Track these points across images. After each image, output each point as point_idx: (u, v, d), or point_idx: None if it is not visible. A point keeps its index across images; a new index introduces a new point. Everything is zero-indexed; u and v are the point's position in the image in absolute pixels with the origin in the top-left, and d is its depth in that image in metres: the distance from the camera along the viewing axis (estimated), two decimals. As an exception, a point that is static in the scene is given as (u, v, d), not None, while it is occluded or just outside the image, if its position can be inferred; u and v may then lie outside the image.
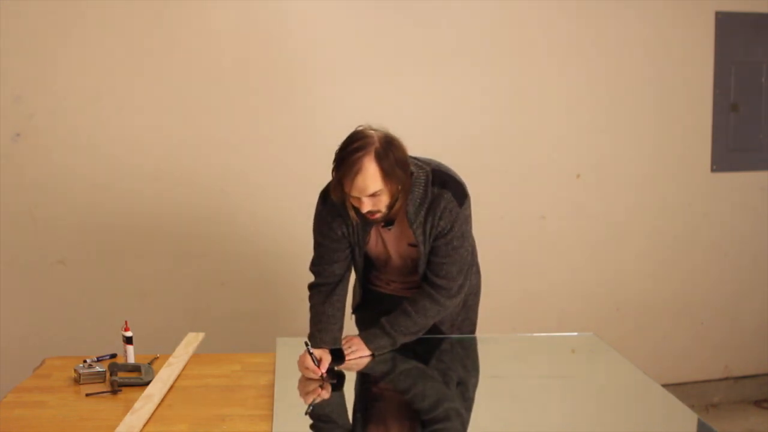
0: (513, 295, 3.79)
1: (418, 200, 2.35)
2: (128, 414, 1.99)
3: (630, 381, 2.31)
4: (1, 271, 3.26)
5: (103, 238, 3.35)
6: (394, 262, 2.52)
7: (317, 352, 2.29)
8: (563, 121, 3.83)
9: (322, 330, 2.40)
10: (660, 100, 3.93)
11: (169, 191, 3.40)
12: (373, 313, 2.59)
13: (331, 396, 2.22)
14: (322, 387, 2.25)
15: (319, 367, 2.25)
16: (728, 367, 4.20)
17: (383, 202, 2.26)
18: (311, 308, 2.48)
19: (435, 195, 2.35)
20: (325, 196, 2.46)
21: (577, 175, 3.86)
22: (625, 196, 3.94)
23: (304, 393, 2.22)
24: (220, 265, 3.48)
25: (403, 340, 2.43)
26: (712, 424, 1.99)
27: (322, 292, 2.48)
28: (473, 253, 2.62)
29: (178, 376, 2.28)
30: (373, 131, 2.28)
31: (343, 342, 2.41)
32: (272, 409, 2.04)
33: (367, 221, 2.35)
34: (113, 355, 2.46)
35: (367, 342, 2.40)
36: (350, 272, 2.55)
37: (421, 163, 2.40)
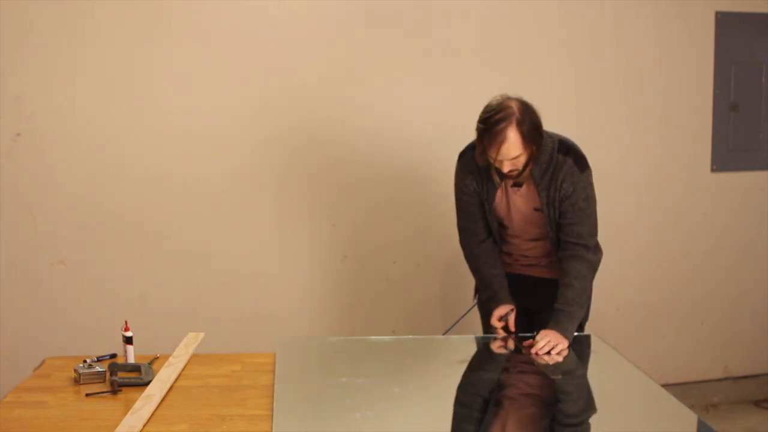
0: (513, 295, 3.79)
1: (544, 165, 2.59)
2: (128, 414, 1.98)
3: (630, 381, 2.31)
4: (1, 271, 3.26)
5: (103, 238, 3.34)
6: (518, 226, 2.70)
7: (502, 310, 2.63)
8: (563, 121, 3.80)
9: (500, 288, 2.70)
10: (660, 100, 3.93)
11: (169, 191, 3.39)
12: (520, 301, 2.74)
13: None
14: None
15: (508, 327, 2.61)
16: (728, 367, 4.20)
17: (521, 162, 2.52)
18: (476, 272, 2.79)
19: (559, 161, 2.60)
20: (460, 157, 2.73)
21: (577, 175, 3.86)
22: (625, 197, 3.94)
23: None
24: (220, 265, 3.48)
25: (581, 311, 2.62)
26: (712, 424, 1.99)
27: (473, 248, 2.76)
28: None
29: (178, 376, 2.28)
30: (511, 101, 2.53)
31: (539, 337, 2.52)
32: (272, 409, 2.04)
33: (505, 178, 2.61)
34: (113, 355, 2.46)
35: (562, 331, 2.53)
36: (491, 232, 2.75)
37: (550, 133, 2.63)
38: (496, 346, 2.64)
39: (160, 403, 2.08)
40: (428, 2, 3.57)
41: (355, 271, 3.64)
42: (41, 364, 2.41)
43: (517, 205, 2.66)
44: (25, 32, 3.17)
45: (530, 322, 2.73)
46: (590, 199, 2.67)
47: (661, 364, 4.00)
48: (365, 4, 3.52)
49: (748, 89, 4.03)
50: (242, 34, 3.40)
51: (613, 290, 3.98)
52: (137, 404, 2.04)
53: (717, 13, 3.93)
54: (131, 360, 2.35)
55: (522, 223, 2.69)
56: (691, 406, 2.14)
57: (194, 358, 2.44)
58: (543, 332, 2.53)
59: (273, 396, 2.13)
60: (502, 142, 2.47)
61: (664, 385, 2.22)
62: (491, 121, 2.49)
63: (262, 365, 2.40)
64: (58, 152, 3.27)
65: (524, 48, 3.72)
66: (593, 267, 2.68)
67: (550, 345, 2.48)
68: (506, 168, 2.52)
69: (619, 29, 3.83)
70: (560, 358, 2.46)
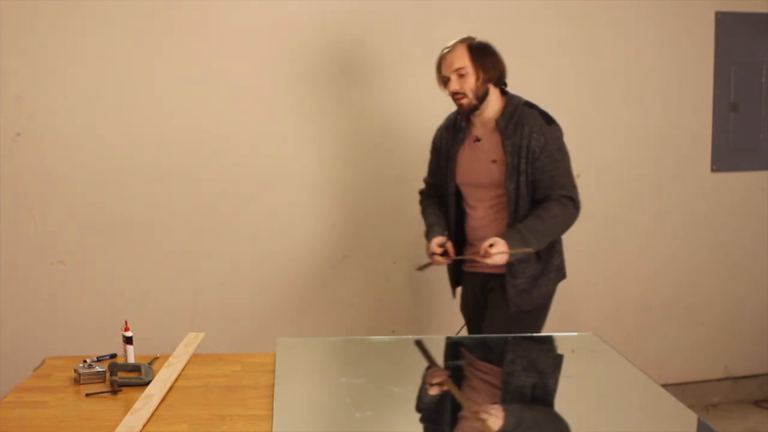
0: (513, 295, 3.79)
1: (509, 115, 2.70)
2: (128, 414, 1.98)
3: (630, 381, 2.31)
4: (1, 271, 3.26)
5: (103, 238, 3.34)
6: (474, 186, 2.77)
7: (440, 239, 2.75)
8: (563, 121, 3.81)
9: (436, 223, 2.85)
10: (660, 100, 3.93)
11: (169, 191, 3.39)
12: (462, 303, 2.95)
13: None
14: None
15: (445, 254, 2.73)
16: (728, 367, 4.20)
17: (468, 85, 2.65)
18: (423, 210, 2.97)
19: (525, 112, 2.71)
20: (448, 115, 2.92)
21: (577, 175, 3.85)
22: (625, 196, 3.94)
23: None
24: (220, 265, 3.48)
25: (536, 245, 2.66)
26: (712, 424, 1.99)
27: (428, 198, 2.96)
28: None
29: (178, 376, 2.28)
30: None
31: (485, 244, 2.63)
32: (272, 409, 2.04)
33: (459, 111, 2.75)
34: (113, 355, 2.46)
35: (508, 241, 2.62)
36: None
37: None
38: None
39: (160, 403, 2.08)
40: (428, 2, 3.57)
41: (355, 271, 3.64)
42: (41, 364, 2.41)
43: (477, 159, 2.74)
44: (25, 32, 3.17)
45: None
46: (565, 154, 2.74)
47: (661, 364, 4.00)
48: (366, 5, 3.52)
49: (748, 89, 4.03)
50: (243, 34, 3.40)
51: (613, 290, 3.98)
52: (137, 404, 2.04)
53: (717, 13, 3.93)
54: (131, 360, 2.35)
55: (478, 181, 2.76)
56: (691, 406, 2.14)
57: (194, 358, 2.43)
58: (495, 241, 2.62)
59: (273, 396, 2.13)
60: (448, 52, 2.68)
61: (664, 385, 2.22)
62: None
63: (262, 365, 2.39)
64: (58, 152, 3.27)
65: (524, 48, 3.72)
66: (568, 219, 2.72)
67: (496, 257, 2.58)
68: (453, 86, 2.65)
69: (619, 29, 3.83)
70: (495, 260, 2.60)
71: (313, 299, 3.59)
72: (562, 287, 3.88)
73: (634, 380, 2.30)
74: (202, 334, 2.59)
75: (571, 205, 2.71)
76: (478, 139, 2.77)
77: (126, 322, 2.38)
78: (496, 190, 2.74)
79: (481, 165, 2.76)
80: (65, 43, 3.22)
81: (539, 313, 2.87)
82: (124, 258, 3.38)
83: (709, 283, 4.12)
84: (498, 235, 2.66)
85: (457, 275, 3.00)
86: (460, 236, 2.91)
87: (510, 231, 2.67)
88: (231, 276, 3.51)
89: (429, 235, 2.85)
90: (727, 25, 3.94)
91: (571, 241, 3.87)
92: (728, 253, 4.12)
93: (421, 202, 3.04)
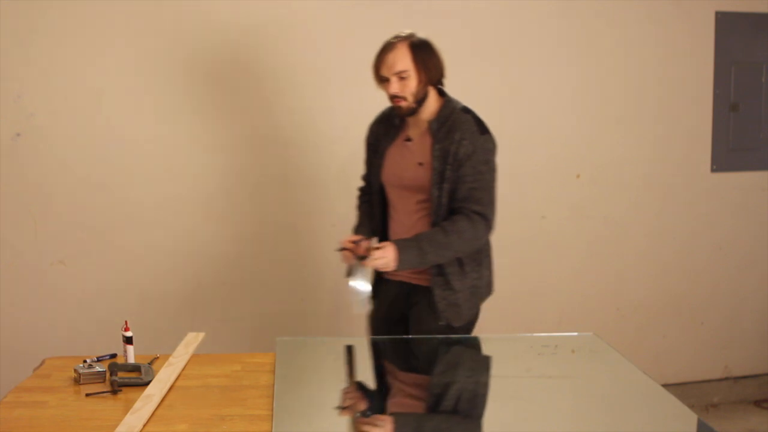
0: (513, 295, 3.78)
1: (444, 119, 2.54)
2: (128, 414, 1.98)
3: (630, 381, 2.31)
4: (1, 271, 3.26)
5: (103, 238, 3.34)
6: (399, 189, 2.61)
7: (358, 237, 2.53)
8: (563, 121, 3.83)
9: (362, 224, 2.71)
10: (660, 100, 3.93)
11: (169, 191, 3.39)
12: (374, 309, 2.65)
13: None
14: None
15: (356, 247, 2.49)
16: (728, 367, 4.20)
17: (409, 88, 2.49)
18: (357, 207, 2.82)
19: (460, 117, 2.54)
20: (383, 110, 2.75)
21: (577, 175, 3.87)
22: (625, 196, 3.94)
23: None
24: (220, 265, 3.48)
25: (433, 258, 2.49)
26: (712, 424, 1.99)
27: (362, 197, 2.81)
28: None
29: (178, 376, 2.28)
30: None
31: (377, 247, 2.47)
32: (272, 409, 2.04)
33: (396, 113, 2.58)
34: (113, 355, 2.46)
35: (399, 251, 2.45)
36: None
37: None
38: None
39: (160, 403, 2.08)
40: (428, 2, 3.57)
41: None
42: (41, 364, 2.41)
43: (404, 159, 2.60)
44: (25, 32, 3.17)
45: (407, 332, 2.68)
46: (491, 168, 2.55)
47: (661, 364, 4.00)
48: (364, 5, 3.52)
49: (748, 89, 4.03)
50: (243, 34, 3.40)
51: (613, 290, 3.98)
52: (137, 404, 2.04)
53: (717, 13, 3.93)
54: (131, 360, 2.35)
55: (402, 182, 2.61)
56: (691, 406, 2.14)
57: (194, 358, 2.44)
58: (385, 243, 2.48)
59: (273, 396, 2.13)
60: (388, 51, 2.50)
61: (664, 385, 2.22)
62: (388, 39, 2.54)
63: (262, 365, 2.39)
64: (58, 152, 3.27)
65: (524, 48, 3.72)
66: (476, 238, 2.53)
67: (378, 261, 2.44)
68: (393, 88, 2.49)
69: (619, 29, 3.83)
70: (375, 264, 2.45)
71: (313, 299, 3.59)
72: (562, 287, 3.91)
73: (634, 380, 2.30)
74: (202, 334, 2.60)
75: (482, 223, 2.51)
76: (409, 139, 2.61)
77: (126, 322, 2.38)
78: (420, 194, 2.58)
79: (407, 166, 2.60)
80: (65, 43, 3.22)
81: (467, 330, 2.68)
82: (124, 258, 3.38)
83: (709, 283, 4.12)
84: (395, 240, 2.51)
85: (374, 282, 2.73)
86: (385, 239, 2.69)
87: (408, 239, 2.50)
88: (231, 276, 3.50)
89: (354, 230, 2.71)
90: (727, 25, 3.94)
91: (572, 241, 3.90)
92: (728, 253, 4.12)
93: (358, 199, 2.85)
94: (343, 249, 2.53)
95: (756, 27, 3.99)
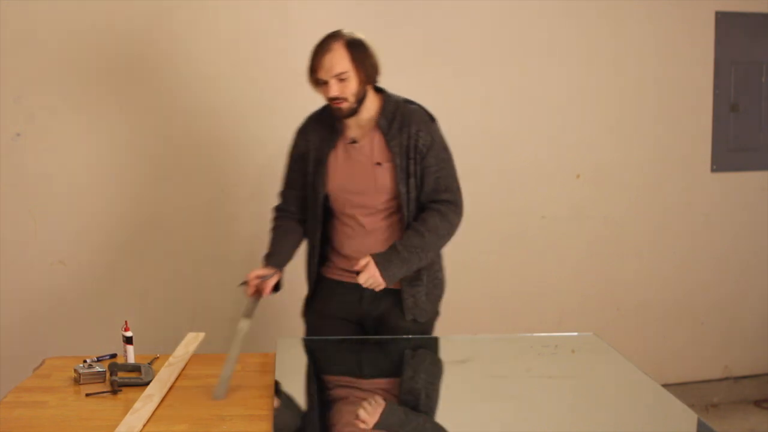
0: (513, 295, 3.79)
1: (391, 114, 2.47)
2: (128, 414, 1.98)
3: (630, 381, 2.31)
4: (1, 271, 3.26)
5: (103, 238, 3.34)
6: (357, 193, 2.50)
7: (264, 271, 2.46)
8: (563, 121, 3.83)
9: (276, 252, 2.57)
10: (660, 100, 3.93)
11: (169, 191, 3.40)
12: (324, 309, 2.63)
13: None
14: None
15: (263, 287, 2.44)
16: (728, 367, 4.20)
17: (350, 89, 2.39)
18: (271, 230, 2.63)
19: (407, 109, 2.48)
20: (310, 115, 2.62)
21: (577, 175, 3.87)
22: (625, 196, 3.94)
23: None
24: (220, 265, 3.48)
25: (417, 263, 2.45)
26: (712, 424, 1.99)
27: (283, 219, 2.62)
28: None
29: (178, 376, 2.28)
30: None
31: (358, 266, 2.41)
32: (272, 409, 2.04)
33: (336, 115, 2.46)
34: (113, 355, 2.46)
35: (383, 270, 2.39)
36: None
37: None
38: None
39: (160, 403, 2.08)
40: (428, 2, 3.57)
41: (355, 271, 3.63)
42: (41, 364, 2.41)
43: (356, 163, 2.49)
44: (25, 32, 3.17)
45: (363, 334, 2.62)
46: (449, 153, 2.55)
47: (661, 364, 4.00)
48: (366, 6, 3.52)
49: (748, 89, 4.03)
50: (244, 35, 3.40)
51: (613, 290, 3.98)
52: (137, 404, 2.04)
53: (717, 13, 3.93)
54: (131, 360, 2.35)
55: (359, 187, 2.50)
56: (691, 406, 2.14)
57: (194, 358, 2.44)
58: (367, 263, 2.40)
59: (273, 396, 2.13)
60: (325, 52, 2.38)
61: (664, 385, 2.22)
62: (321, 39, 2.43)
63: (262, 365, 2.40)
64: (58, 152, 3.26)
65: (523, 48, 3.72)
66: (451, 230, 2.51)
67: (367, 282, 2.40)
68: (332, 91, 2.38)
69: (619, 29, 3.83)
70: (368, 285, 2.41)
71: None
72: (562, 287, 3.91)
73: (634, 380, 2.30)
74: (202, 334, 2.60)
75: (454, 211, 2.50)
76: (354, 141, 2.50)
77: (126, 322, 2.38)
78: (383, 195, 2.50)
79: (361, 169, 2.50)
80: (65, 43, 3.22)
81: (429, 327, 2.65)
82: (124, 258, 3.38)
83: (709, 283, 4.12)
84: (374, 256, 2.42)
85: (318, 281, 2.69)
86: (327, 249, 2.63)
87: (388, 251, 2.44)
88: (231, 276, 3.50)
89: (264, 260, 2.58)
90: (727, 25, 3.95)
91: (572, 241, 3.90)
92: (728, 253, 4.12)
93: (273, 221, 2.66)
94: (244, 283, 2.46)
95: (756, 27, 3.99)
